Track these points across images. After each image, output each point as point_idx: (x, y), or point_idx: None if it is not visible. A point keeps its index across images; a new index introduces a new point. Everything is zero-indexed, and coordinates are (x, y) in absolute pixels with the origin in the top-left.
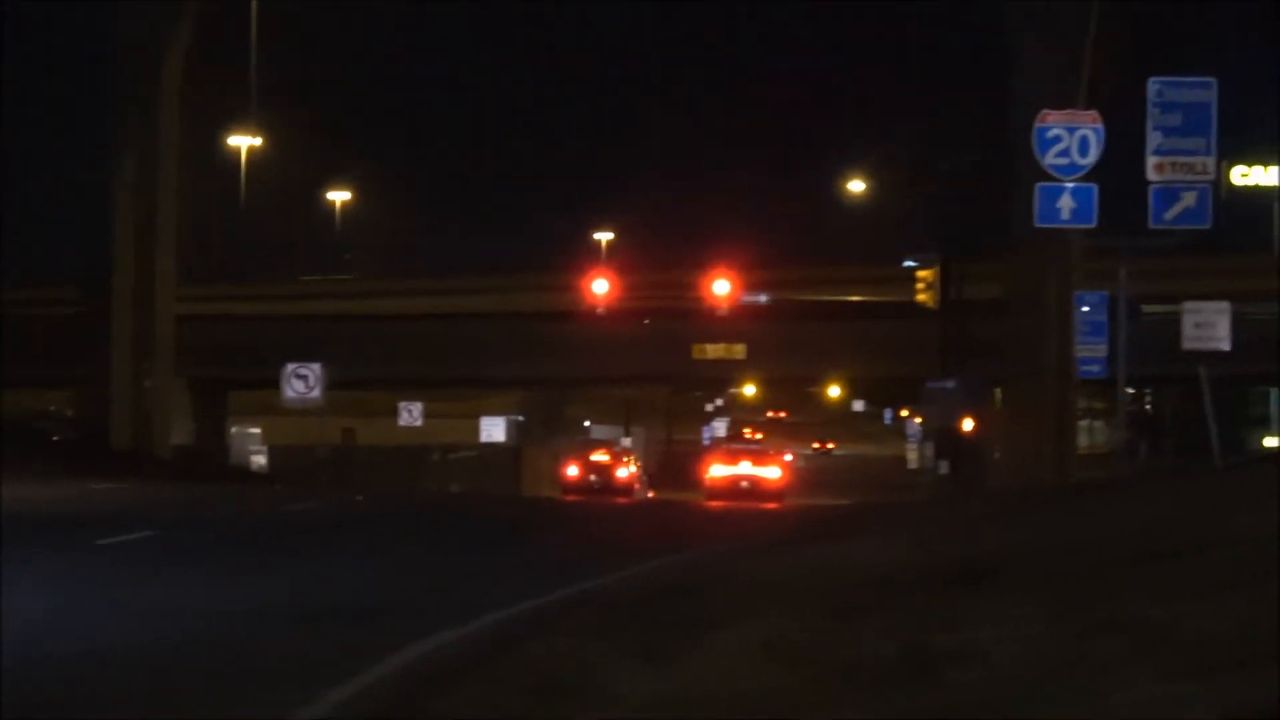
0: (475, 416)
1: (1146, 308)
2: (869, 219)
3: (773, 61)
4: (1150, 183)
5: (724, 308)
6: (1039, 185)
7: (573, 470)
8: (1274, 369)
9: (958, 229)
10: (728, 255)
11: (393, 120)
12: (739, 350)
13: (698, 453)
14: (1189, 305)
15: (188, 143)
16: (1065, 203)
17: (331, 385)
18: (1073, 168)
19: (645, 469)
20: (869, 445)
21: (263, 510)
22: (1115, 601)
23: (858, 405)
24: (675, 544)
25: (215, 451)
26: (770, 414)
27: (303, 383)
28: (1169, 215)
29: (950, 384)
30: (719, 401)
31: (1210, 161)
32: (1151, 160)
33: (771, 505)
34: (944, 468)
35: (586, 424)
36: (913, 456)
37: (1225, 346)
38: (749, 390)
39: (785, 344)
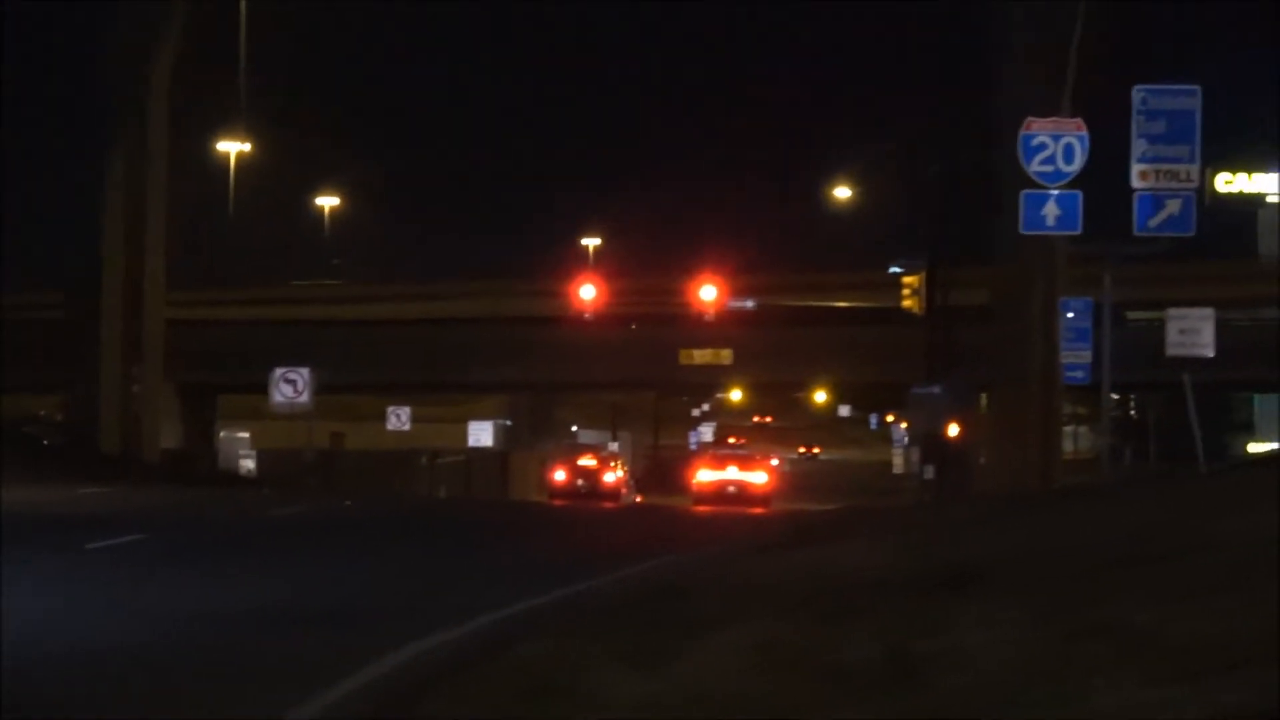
0: (463, 421)
1: (1131, 314)
2: (855, 225)
3: (760, 68)
4: (1135, 190)
5: (711, 313)
6: (1024, 192)
7: (560, 475)
8: (1257, 375)
9: (944, 235)
10: (715, 261)
11: (381, 125)
12: (726, 355)
13: (685, 457)
14: (1173, 312)
15: (177, 147)
16: (1050, 210)
17: (320, 390)
18: (1058, 175)
19: (632, 473)
20: (855, 450)
21: (251, 514)
22: (1101, 605)
23: (844, 410)
24: (663, 548)
25: (204, 456)
26: (756, 419)
27: (291, 387)
28: (1153, 222)
29: (936, 389)
30: (706, 406)
31: (1194, 169)
32: (1136, 167)
33: (758, 510)
34: (929, 473)
35: (574, 428)
36: (898, 461)
37: (1209, 353)
38: (736, 395)
39: (772, 349)
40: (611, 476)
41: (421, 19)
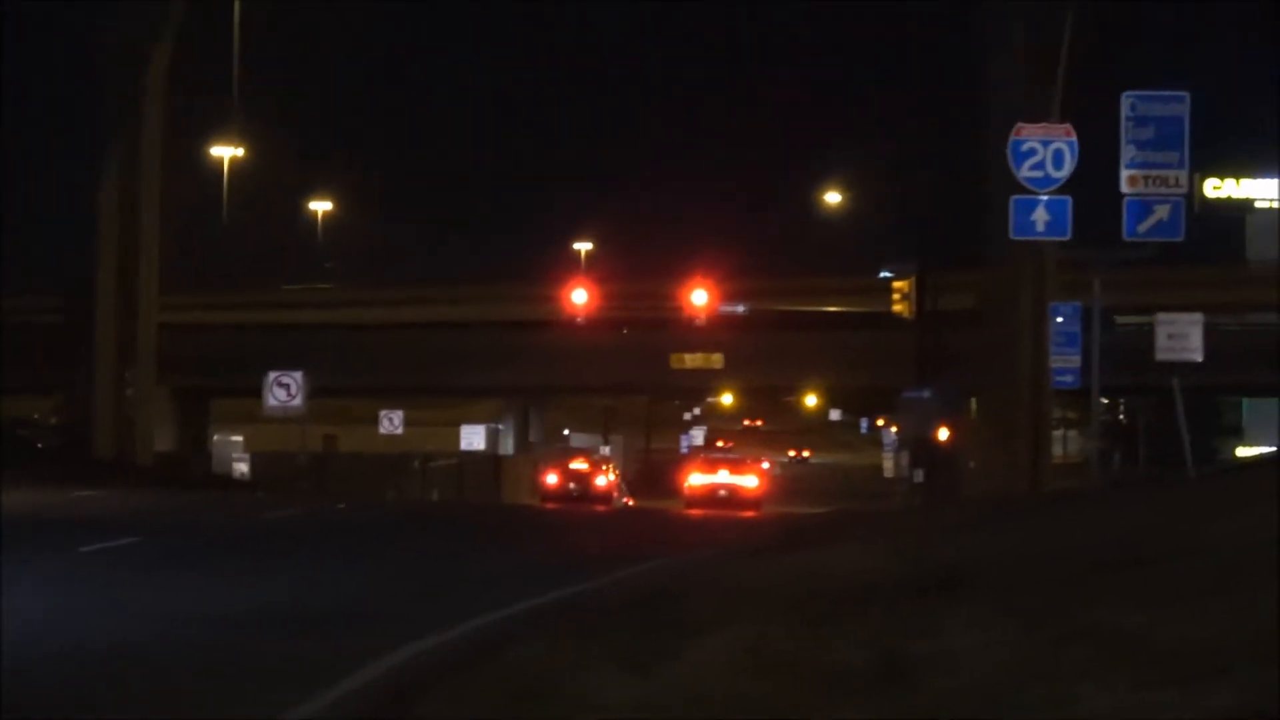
0: (456, 424)
1: (1120, 319)
2: (846, 230)
3: (752, 74)
4: (1124, 195)
5: (702, 318)
6: (1014, 198)
7: (552, 478)
8: (1246, 379)
9: (934, 240)
10: (706, 265)
11: (374, 130)
12: (717, 360)
13: (676, 461)
14: (1162, 317)
15: (172, 151)
16: (1040, 215)
17: (313, 393)
18: (1047, 180)
19: (624, 477)
20: (846, 454)
21: (245, 518)
22: (1091, 609)
23: (834, 414)
24: (654, 551)
25: (198, 459)
26: (747, 422)
27: (285, 391)
28: (1142, 228)
29: (926, 394)
30: (697, 410)
31: (1183, 175)
32: (1125, 173)
33: (749, 513)
34: (920, 476)
35: (566, 432)
36: (889, 465)
37: (1198, 357)
38: (727, 399)
39: (762, 354)
40: (603, 480)
41: (417, 25)
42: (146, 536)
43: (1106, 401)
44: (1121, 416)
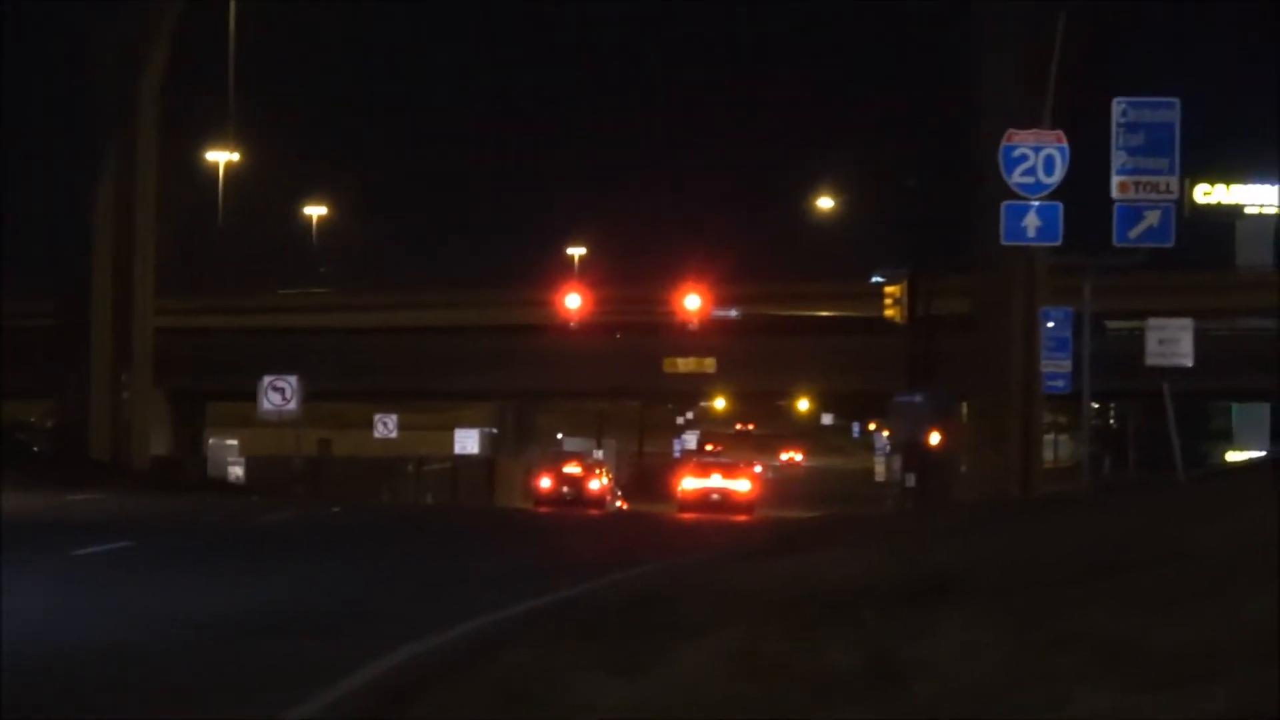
0: (450, 428)
1: (1111, 324)
2: (838, 235)
3: (744, 81)
4: (1115, 201)
5: (695, 322)
6: (1005, 203)
7: (545, 482)
8: (1236, 384)
9: (925, 245)
10: (699, 270)
11: (368, 136)
12: (709, 364)
13: (669, 465)
14: (1152, 322)
15: (167, 155)
16: (1031, 221)
17: (308, 397)
18: (1038, 186)
19: (617, 481)
20: (838, 458)
21: (240, 521)
22: (1081, 613)
23: (827, 418)
24: (648, 555)
25: (193, 462)
26: (739, 426)
27: (280, 395)
28: (1133, 233)
29: (918, 398)
30: (690, 414)
31: (1173, 181)
32: (1116, 179)
33: (742, 517)
34: (911, 480)
35: (559, 436)
36: (880, 469)
37: (1188, 362)
38: (720, 403)
39: (755, 358)
40: (596, 484)
41: (411, 30)
42: (142, 539)
43: (1097, 406)
44: (1112, 421)
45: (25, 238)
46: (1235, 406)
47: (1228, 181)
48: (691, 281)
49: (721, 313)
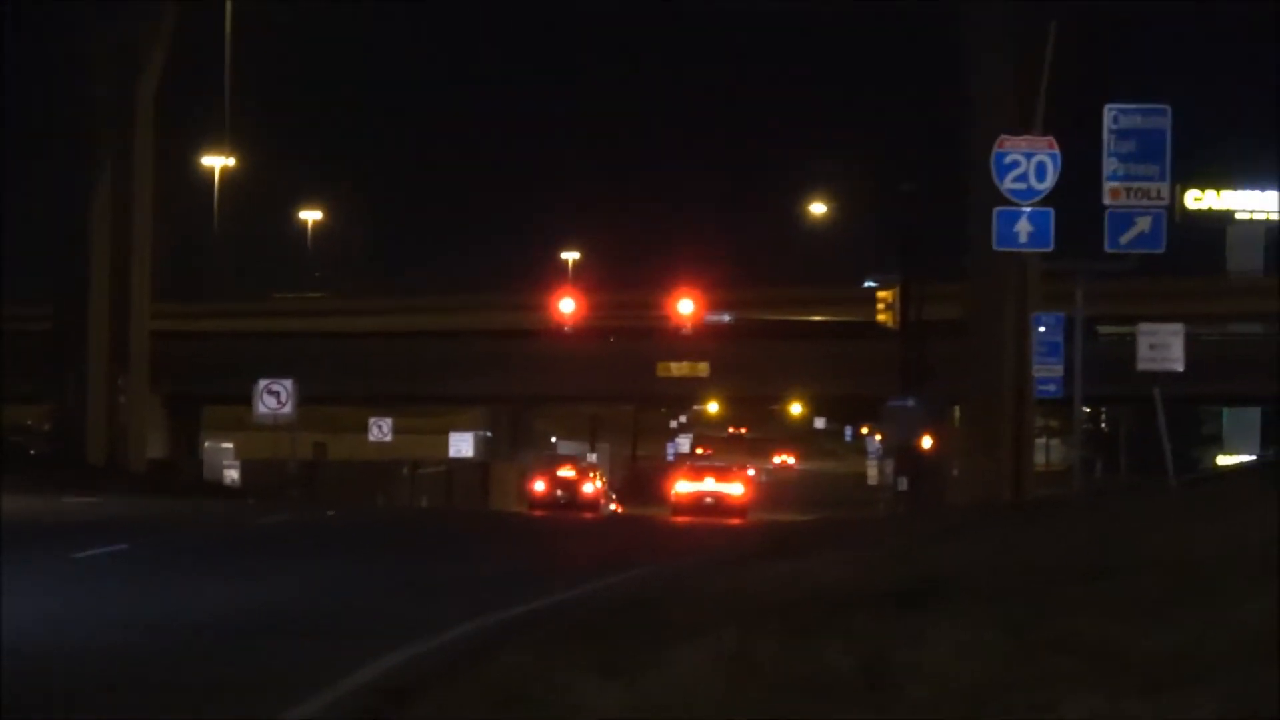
0: (444, 432)
1: (1102, 329)
2: (831, 240)
3: (737, 84)
4: (1106, 207)
5: (688, 327)
6: (997, 209)
7: (540, 486)
8: (1227, 389)
9: (917, 251)
10: (692, 275)
11: (364, 140)
12: (703, 368)
13: (662, 468)
14: (1144, 327)
15: (163, 160)
16: (1023, 226)
17: (303, 401)
18: (1030, 192)
19: (611, 484)
20: (830, 462)
21: (236, 524)
22: (1073, 617)
23: (819, 422)
24: (641, 558)
25: (189, 466)
26: (732, 430)
27: (275, 398)
28: (1124, 239)
29: (910, 402)
30: (683, 418)
31: (1164, 187)
32: (1107, 186)
33: (735, 520)
34: (903, 484)
35: (553, 440)
36: (873, 473)
37: (1179, 367)
38: (713, 408)
39: (748, 362)
40: (590, 487)
41: (407, 37)
42: (139, 542)
43: (1089, 410)
44: (1103, 425)
45: (22, 241)
46: (1226, 411)
47: (1218, 187)
48: (685, 286)
49: (715, 317)
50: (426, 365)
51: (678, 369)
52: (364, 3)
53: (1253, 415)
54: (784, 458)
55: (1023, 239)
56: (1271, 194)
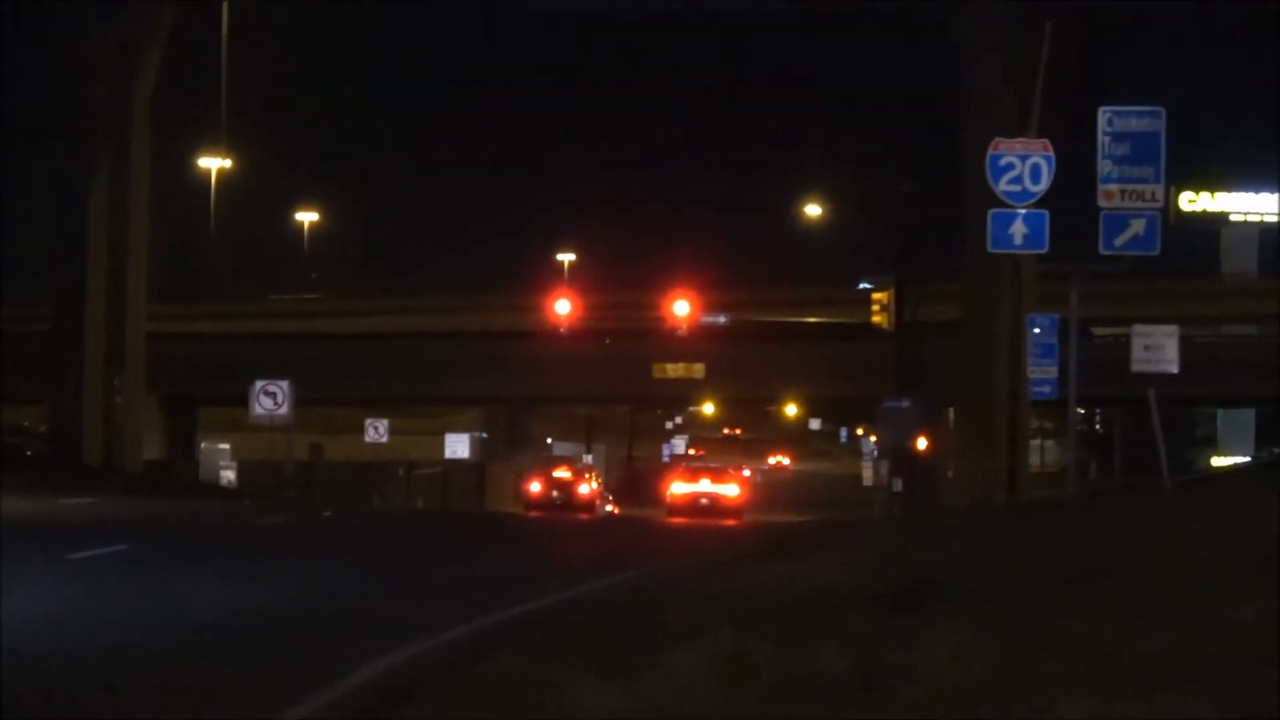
0: (440, 433)
1: (1097, 330)
2: (827, 242)
3: (734, 85)
4: (1101, 209)
5: (684, 328)
6: (992, 211)
7: (535, 486)
8: (1221, 390)
9: (913, 252)
10: (688, 276)
11: (361, 141)
12: (698, 370)
13: (658, 469)
14: (1138, 328)
15: (160, 161)
16: (1018, 228)
17: (300, 402)
18: (1025, 194)
19: (606, 485)
20: (825, 463)
21: (233, 525)
22: (1068, 619)
23: (815, 423)
24: (637, 559)
25: (185, 467)
26: (727, 430)
27: (271, 400)
28: (1119, 241)
29: (905, 403)
30: (679, 420)
31: (1159, 189)
32: (1102, 187)
33: (731, 521)
34: (898, 485)
35: (549, 441)
36: (868, 474)
37: (1173, 369)
38: (708, 408)
39: (743, 364)
40: (586, 488)
41: (404, 39)
42: (137, 543)
43: (1083, 412)
44: (1098, 426)
45: (22, 241)
46: (1220, 412)
47: (1213, 189)
48: (680, 287)
49: (710, 318)
50: (423, 366)
51: (673, 370)
52: (364, 2)
53: (1247, 417)
54: (779, 459)
55: (1018, 241)
56: (1266, 196)
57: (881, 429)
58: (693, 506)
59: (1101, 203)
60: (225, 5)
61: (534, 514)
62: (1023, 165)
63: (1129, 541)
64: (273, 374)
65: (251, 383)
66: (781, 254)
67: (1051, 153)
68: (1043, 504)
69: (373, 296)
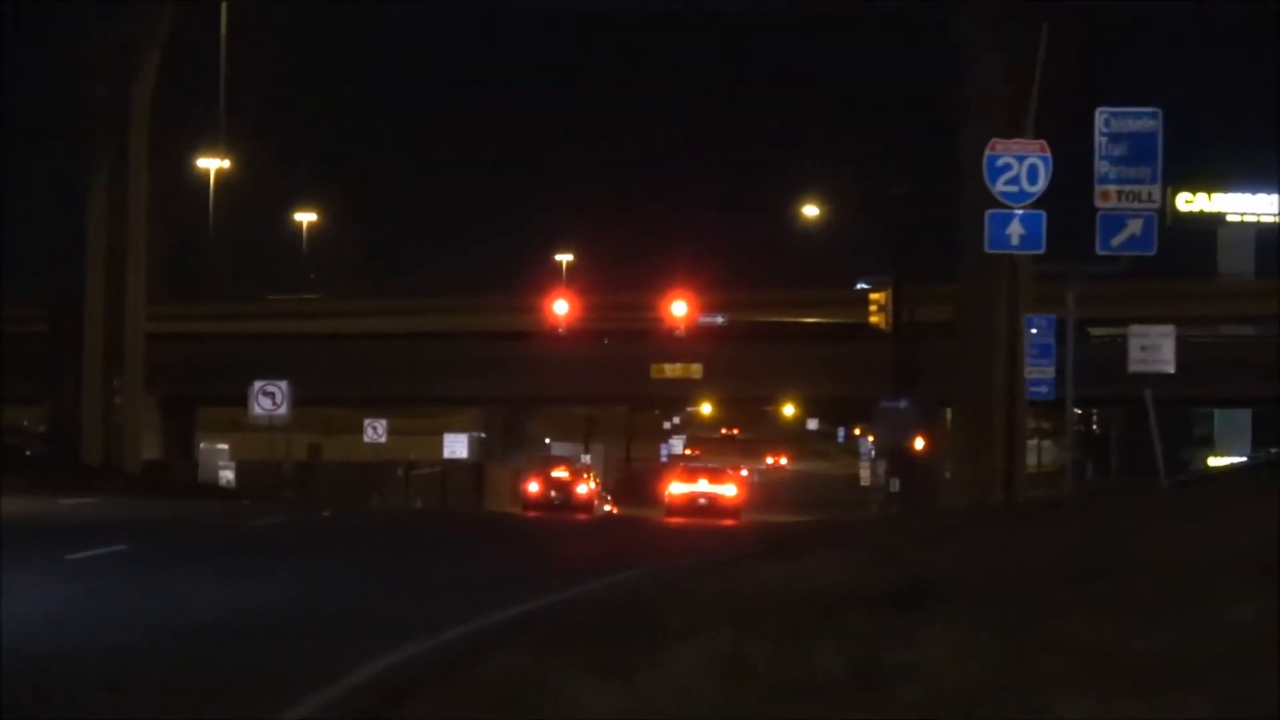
0: (439, 433)
1: (1094, 331)
2: (824, 242)
3: (731, 86)
4: (1098, 210)
5: (681, 328)
6: (989, 212)
7: (534, 487)
8: (1218, 390)
9: (910, 253)
10: (686, 277)
11: (359, 142)
12: (696, 370)
13: (656, 469)
14: (1135, 329)
15: (159, 162)
16: (1015, 229)
17: (298, 402)
18: (1022, 195)
19: (605, 485)
20: (823, 463)
21: (231, 525)
22: (1065, 619)
23: (812, 423)
24: (635, 560)
25: (184, 467)
26: (724, 431)
27: (270, 400)
28: (1115, 242)
29: (902, 404)
30: (677, 420)
31: (1155, 190)
32: (1099, 188)
33: (729, 521)
34: (896, 485)
35: (548, 441)
36: (865, 474)
37: (1170, 369)
38: (706, 409)
39: (741, 364)
40: (584, 489)
41: (402, 36)
42: (136, 543)
43: (1080, 412)
44: (1095, 427)
45: (22, 241)
46: (1217, 412)
47: (1210, 190)
48: (678, 288)
49: (708, 319)
50: (421, 367)
51: (671, 370)
52: (364, 2)
53: (1244, 417)
54: (777, 459)
55: (1014, 241)
56: (1262, 196)
57: (879, 429)
58: (691, 507)
59: (1098, 203)
60: (224, 5)
61: (532, 514)
62: (1020, 166)
63: (1126, 541)
64: (271, 374)
65: (250, 383)
66: (780, 254)
67: (1049, 153)
68: (1040, 504)
69: (371, 297)
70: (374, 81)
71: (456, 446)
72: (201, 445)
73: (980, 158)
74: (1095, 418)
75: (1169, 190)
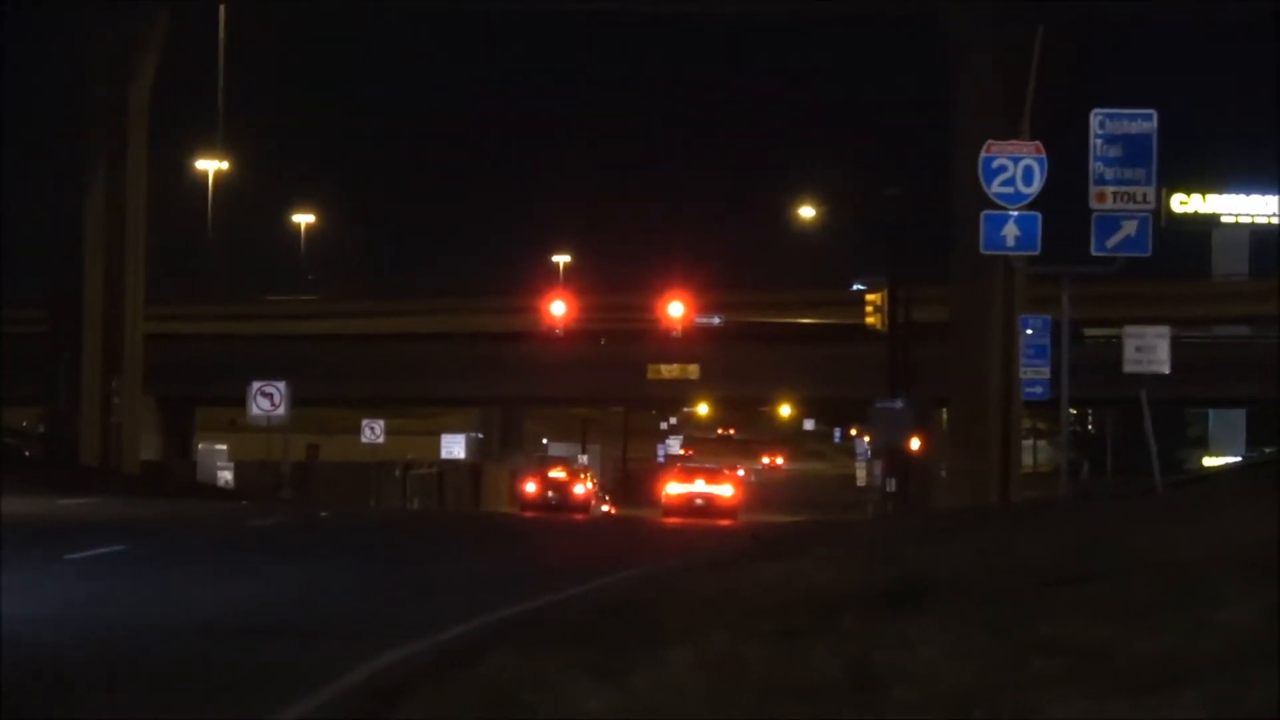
0: (436, 433)
1: (1089, 331)
2: (820, 243)
3: (728, 89)
4: (1093, 211)
5: (678, 329)
6: (984, 213)
7: (531, 487)
8: (1212, 391)
9: (905, 254)
10: (682, 278)
11: (357, 143)
12: (693, 371)
13: (653, 470)
14: (1130, 329)
15: (157, 163)
16: (1010, 230)
17: (297, 403)
18: (1017, 196)
19: (602, 486)
20: (819, 463)
21: (230, 525)
22: (1059, 619)
23: (808, 424)
24: (632, 560)
25: (182, 467)
26: (721, 431)
27: (268, 400)
28: (1111, 243)
29: (898, 404)
30: (673, 420)
31: (1150, 191)
32: (1094, 190)
33: (725, 522)
34: (891, 485)
35: (544, 441)
36: (861, 474)
37: (1165, 369)
38: (703, 409)
39: (737, 365)
40: (581, 489)
41: (401, 36)
42: (135, 543)
43: (1075, 412)
44: (1090, 427)
45: (22, 242)
46: (1211, 413)
47: (1204, 191)
48: (675, 289)
49: (705, 320)
50: (419, 367)
51: (668, 371)
52: (363, 3)
53: (1238, 417)
54: (773, 459)
55: (1009, 242)
56: (1257, 198)
57: (875, 429)
58: (688, 507)
59: (1093, 204)
60: (223, 6)
61: (529, 514)
62: (1015, 167)
63: (1121, 542)
64: (269, 375)
65: (248, 383)
66: (776, 255)
67: (1044, 155)
68: (1035, 504)
69: (369, 298)
70: (373, 82)
71: (454, 447)
72: (200, 446)
73: (976, 159)
74: (1090, 418)
75: (1164, 191)
